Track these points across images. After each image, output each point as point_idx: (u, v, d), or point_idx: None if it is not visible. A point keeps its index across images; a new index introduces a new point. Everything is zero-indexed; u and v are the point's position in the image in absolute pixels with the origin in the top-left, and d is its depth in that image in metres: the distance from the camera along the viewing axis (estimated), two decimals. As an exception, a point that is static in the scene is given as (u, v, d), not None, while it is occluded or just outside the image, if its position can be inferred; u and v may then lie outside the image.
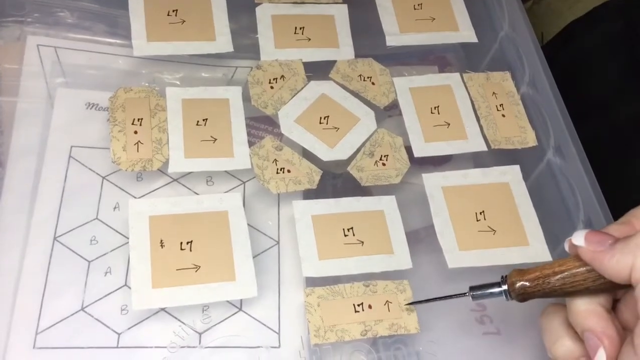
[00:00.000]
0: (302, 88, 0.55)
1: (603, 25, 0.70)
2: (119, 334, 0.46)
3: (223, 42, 0.56)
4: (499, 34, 0.63)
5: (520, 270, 0.40)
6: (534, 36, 0.62)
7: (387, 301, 0.47)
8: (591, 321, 0.36)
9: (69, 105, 0.54)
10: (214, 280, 0.46)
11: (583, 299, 0.37)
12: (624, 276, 0.34)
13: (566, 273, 0.37)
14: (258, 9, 0.58)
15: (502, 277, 0.40)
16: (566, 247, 0.39)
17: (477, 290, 0.42)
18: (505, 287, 0.40)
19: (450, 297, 0.45)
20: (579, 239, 0.37)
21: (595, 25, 0.70)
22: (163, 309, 0.46)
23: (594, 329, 0.36)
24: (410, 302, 0.47)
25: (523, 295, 0.39)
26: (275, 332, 0.47)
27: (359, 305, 0.46)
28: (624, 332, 0.37)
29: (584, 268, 0.37)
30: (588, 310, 0.37)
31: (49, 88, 0.54)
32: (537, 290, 0.38)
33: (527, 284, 0.39)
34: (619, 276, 0.34)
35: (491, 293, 0.41)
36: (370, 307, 0.46)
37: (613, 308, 0.39)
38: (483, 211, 0.52)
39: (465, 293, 0.42)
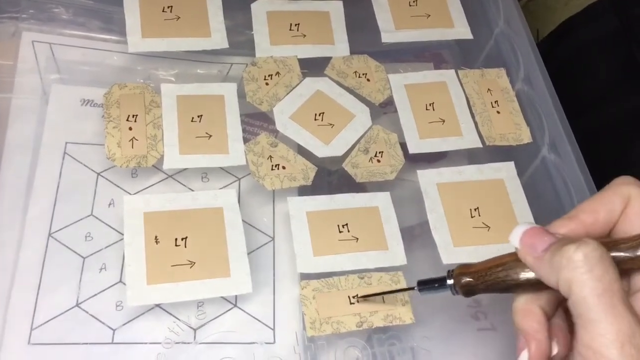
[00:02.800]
0: (297, 84, 0.55)
1: (598, 22, 0.70)
2: (114, 330, 0.46)
3: (218, 38, 0.55)
4: (494, 30, 0.63)
5: (466, 265, 0.38)
6: (529, 33, 0.62)
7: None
8: (525, 322, 0.35)
9: (64, 101, 0.54)
10: (208, 277, 0.46)
11: (524, 296, 0.36)
12: (554, 285, 0.33)
13: (508, 265, 0.36)
14: (253, 6, 0.58)
15: (448, 271, 0.39)
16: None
17: (425, 284, 0.40)
18: (451, 281, 0.39)
19: (399, 291, 0.45)
20: (515, 238, 0.35)
21: (590, 22, 0.70)
22: (158, 305, 0.47)
23: (525, 330, 0.35)
24: (362, 295, 0.46)
25: (467, 289, 0.38)
26: (270, 328, 0.48)
27: (353, 297, 0.46)
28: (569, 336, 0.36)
29: None
30: (525, 310, 0.35)
31: (44, 84, 0.54)
32: (481, 284, 0.37)
33: (471, 278, 0.37)
34: (552, 285, 0.34)
35: (438, 287, 0.40)
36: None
37: None
38: (477, 207, 0.52)
39: (414, 287, 0.41)
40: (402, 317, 0.46)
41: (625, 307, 0.31)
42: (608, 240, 0.34)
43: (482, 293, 0.38)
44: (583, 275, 0.31)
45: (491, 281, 0.37)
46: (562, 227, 0.35)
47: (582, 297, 0.31)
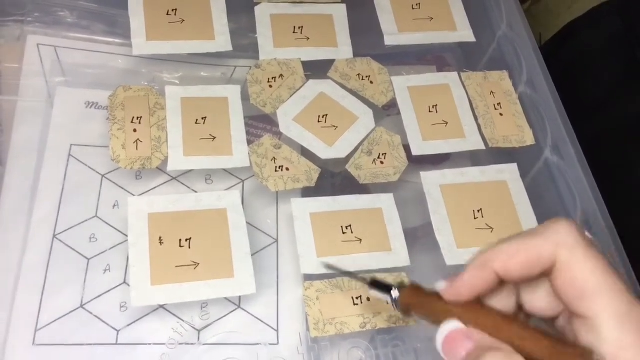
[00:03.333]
0: (300, 87, 0.56)
1: (601, 25, 0.70)
2: (118, 331, 0.46)
3: (222, 41, 0.56)
4: (497, 33, 0.63)
5: (417, 290, 0.37)
6: (532, 36, 0.62)
7: (385, 295, 0.47)
8: None
9: (69, 104, 0.54)
10: (212, 277, 0.46)
11: None
12: None
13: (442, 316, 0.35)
14: (257, 9, 0.59)
15: (397, 286, 0.38)
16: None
17: (375, 285, 0.39)
18: (396, 294, 0.38)
19: (354, 276, 0.42)
20: (438, 343, 0.34)
21: (593, 26, 0.71)
22: (162, 306, 0.47)
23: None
24: (328, 264, 0.45)
25: (406, 313, 0.38)
26: (273, 329, 0.48)
27: (357, 298, 0.47)
28: None
29: None
30: None
31: (49, 87, 0.55)
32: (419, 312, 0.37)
33: (409, 302, 0.37)
34: None
35: (384, 292, 0.38)
36: (368, 299, 0.46)
37: None
38: (481, 209, 0.52)
39: (367, 280, 0.40)
40: (405, 318, 0.46)
41: None
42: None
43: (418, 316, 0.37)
44: None
45: (428, 315, 0.36)
46: (473, 278, 0.34)
47: None
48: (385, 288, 0.38)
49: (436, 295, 0.36)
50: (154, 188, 0.52)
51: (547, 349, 0.32)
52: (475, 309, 0.34)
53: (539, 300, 0.35)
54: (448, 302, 0.35)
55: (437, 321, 0.35)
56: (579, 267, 0.32)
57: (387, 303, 0.38)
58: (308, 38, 0.58)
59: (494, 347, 0.32)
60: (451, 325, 0.34)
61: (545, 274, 0.34)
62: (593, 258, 0.32)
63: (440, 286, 0.35)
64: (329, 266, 0.45)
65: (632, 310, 0.31)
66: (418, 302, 0.37)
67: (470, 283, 0.34)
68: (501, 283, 0.35)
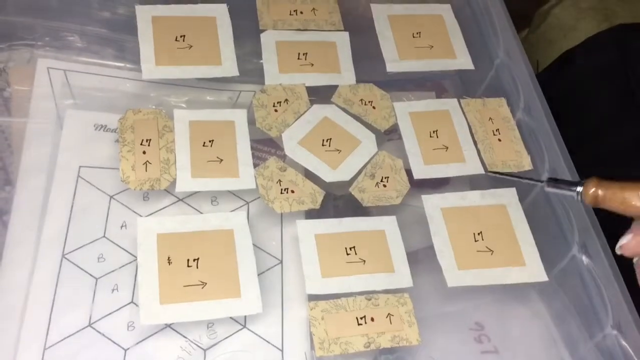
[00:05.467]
0: (305, 111, 0.57)
1: (597, 54, 0.72)
2: (125, 350, 0.46)
3: (229, 66, 0.57)
4: (495, 61, 0.65)
5: (599, 180, 0.41)
6: (529, 64, 0.64)
7: (388, 314, 0.48)
8: None
9: (78, 126, 0.55)
10: (220, 297, 0.47)
11: None
12: None
13: None
14: (263, 36, 0.60)
15: (580, 179, 0.42)
16: None
17: (554, 183, 0.44)
18: (580, 188, 0.42)
19: (526, 179, 0.48)
20: None
21: (589, 55, 0.72)
22: (169, 326, 0.47)
23: None
24: (493, 170, 0.49)
25: (595, 203, 0.41)
26: (278, 349, 0.48)
27: (361, 318, 0.47)
28: None
29: None
30: None
31: (59, 109, 0.56)
32: (610, 201, 0.40)
33: (601, 192, 0.40)
34: None
35: (565, 191, 0.43)
36: (372, 319, 0.47)
37: None
38: (481, 232, 0.53)
39: (543, 181, 0.44)
40: (408, 338, 0.47)
41: None
42: None
43: (611, 210, 0.41)
44: None
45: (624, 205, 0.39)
46: None
47: None
48: (567, 184, 0.43)
49: (622, 184, 0.39)
50: (161, 209, 0.53)
51: None
52: None
53: None
54: None
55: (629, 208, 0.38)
56: None
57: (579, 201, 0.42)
58: (312, 64, 0.60)
59: None
60: None
61: None
62: None
63: None
64: (495, 173, 0.49)
65: None
66: (608, 191, 0.40)
67: None
68: None
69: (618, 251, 0.41)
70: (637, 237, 0.40)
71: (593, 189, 0.41)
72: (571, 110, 0.71)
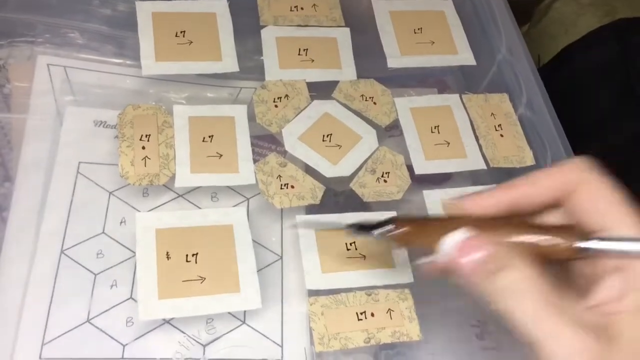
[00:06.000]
0: (305, 107, 0.57)
1: (598, 49, 0.72)
2: (124, 345, 0.46)
3: (229, 62, 0.57)
4: (497, 57, 0.65)
5: (406, 218, 0.39)
6: (531, 59, 0.63)
7: (389, 309, 0.47)
8: None
9: (78, 122, 0.55)
10: (219, 292, 0.46)
11: None
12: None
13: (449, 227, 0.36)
14: (263, 31, 0.60)
15: (388, 218, 0.39)
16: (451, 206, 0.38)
17: (364, 227, 0.40)
18: (383, 229, 0.39)
19: (339, 228, 0.44)
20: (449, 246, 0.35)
21: (590, 49, 0.72)
22: (167, 321, 0.47)
23: None
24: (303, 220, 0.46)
25: (401, 241, 0.39)
26: (278, 344, 0.48)
27: (361, 313, 0.47)
28: None
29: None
30: None
31: (58, 106, 0.56)
32: (416, 240, 0.38)
33: (408, 229, 0.38)
34: None
35: (370, 232, 0.39)
36: (372, 315, 0.47)
37: None
38: (483, 227, 0.53)
39: (348, 225, 0.41)
40: (409, 333, 0.47)
41: (567, 321, 0.31)
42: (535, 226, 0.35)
43: (414, 247, 0.39)
44: (510, 304, 0.32)
45: (428, 241, 0.37)
46: (498, 196, 0.36)
47: (516, 326, 0.31)
48: (372, 227, 0.39)
49: (429, 219, 0.38)
50: (161, 205, 0.53)
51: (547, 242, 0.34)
52: (478, 220, 0.36)
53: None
54: (461, 209, 0.36)
55: (435, 243, 0.36)
56: (600, 185, 0.34)
57: (380, 238, 0.39)
58: (313, 60, 0.60)
59: (510, 254, 0.33)
60: (464, 234, 0.35)
61: (562, 201, 0.35)
62: (607, 179, 0.35)
63: (462, 198, 0.37)
64: (307, 223, 0.46)
65: None
66: (414, 227, 0.38)
67: (490, 199, 0.36)
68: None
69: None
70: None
71: (400, 230, 0.38)
72: (571, 105, 0.71)
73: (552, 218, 0.36)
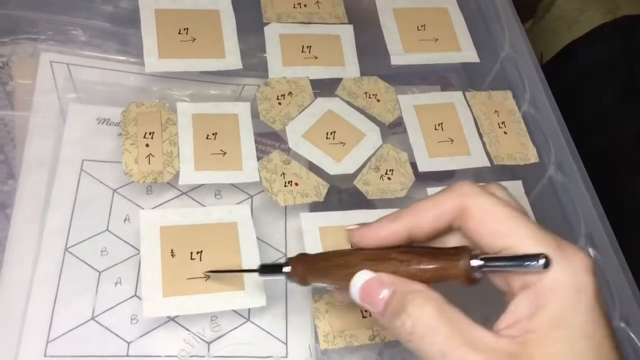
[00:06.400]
0: (309, 104, 0.57)
1: (601, 45, 0.72)
2: (128, 343, 0.46)
3: (233, 59, 0.57)
4: (500, 54, 0.65)
5: (305, 255, 0.40)
6: (534, 56, 0.63)
7: (395, 307, 0.47)
8: None
9: (81, 120, 0.55)
10: (223, 290, 0.46)
11: None
12: None
13: (349, 263, 0.37)
14: (267, 29, 0.60)
15: (288, 259, 0.40)
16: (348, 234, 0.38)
17: (266, 269, 0.42)
18: (288, 269, 0.40)
19: (242, 271, 0.46)
20: (355, 292, 0.36)
21: (593, 46, 0.72)
22: (172, 319, 0.47)
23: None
24: (210, 270, 0.46)
25: (302, 280, 0.39)
26: (282, 342, 0.48)
27: (366, 311, 0.47)
28: None
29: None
30: None
31: (61, 103, 0.55)
32: (314, 275, 0.39)
33: (302, 272, 0.39)
34: None
35: (277, 273, 0.41)
36: None
37: None
38: (487, 224, 0.53)
39: (257, 270, 0.42)
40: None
41: (477, 352, 0.31)
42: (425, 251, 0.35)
43: (316, 283, 0.39)
44: (419, 344, 0.32)
45: (327, 275, 0.38)
46: (384, 229, 0.36)
47: None
48: (277, 268, 0.40)
49: (324, 256, 0.38)
50: (165, 202, 0.52)
51: (433, 266, 0.35)
52: (368, 254, 0.37)
53: None
54: (353, 245, 0.37)
55: (334, 283, 0.38)
56: (486, 206, 0.34)
57: (291, 282, 0.40)
58: (316, 57, 0.59)
59: (411, 291, 0.33)
60: (364, 276, 0.35)
61: (451, 228, 0.36)
62: (493, 198, 0.35)
63: (350, 227, 0.37)
64: (212, 272, 0.46)
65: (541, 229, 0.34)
66: (311, 267, 0.39)
67: (377, 231, 0.36)
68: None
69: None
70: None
71: (297, 270, 0.39)
72: (574, 102, 0.71)
73: (454, 241, 0.37)
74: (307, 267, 0.39)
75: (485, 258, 0.34)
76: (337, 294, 0.40)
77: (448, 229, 0.36)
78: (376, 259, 0.36)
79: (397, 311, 0.33)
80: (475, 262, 0.34)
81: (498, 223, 0.34)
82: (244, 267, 0.48)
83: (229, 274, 0.46)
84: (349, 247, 0.50)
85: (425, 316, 0.32)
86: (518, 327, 0.32)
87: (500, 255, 0.33)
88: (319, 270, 0.39)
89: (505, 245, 0.33)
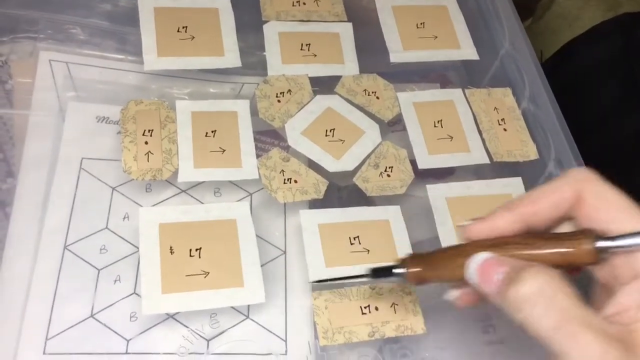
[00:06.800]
0: (308, 102, 0.57)
1: (601, 43, 0.71)
2: (128, 340, 0.46)
3: (232, 57, 0.57)
4: (500, 51, 0.65)
5: (419, 254, 0.40)
6: (534, 54, 0.63)
7: (393, 303, 0.47)
8: None
9: (80, 118, 0.55)
10: (222, 286, 0.46)
11: None
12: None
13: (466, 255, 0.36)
14: (266, 27, 0.60)
15: (401, 259, 0.40)
16: (461, 232, 0.38)
17: (378, 272, 0.41)
18: (403, 270, 0.39)
19: (354, 277, 0.44)
20: (472, 271, 0.35)
21: (593, 44, 0.72)
22: (171, 316, 0.47)
23: None
24: (317, 280, 0.46)
25: (418, 279, 0.39)
26: (282, 339, 0.48)
27: (365, 307, 0.47)
28: None
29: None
30: None
31: (60, 102, 0.55)
32: (432, 274, 0.39)
33: (420, 268, 0.39)
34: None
35: (390, 274, 0.40)
36: (377, 309, 0.47)
37: None
38: (487, 221, 0.53)
39: (369, 274, 0.42)
40: (413, 327, 0.47)
41: (590, 330, 0.30)
42: (550, 236, 0.35)
43: (433, 282, 0.39)
44: (534, 312, 0.31)
45: (446, 267, 0.38)
46: (500, 219, 0.36)
47: (540, 335, 0.31)
48: (390, 269, 0.40)
49: (439, 250, 0.38)
50: (164, 200, 0.52)
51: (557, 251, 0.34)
52: (486, 242, 0.36)
53: None
54: (469, 238, 0.37)
55: (452, 276, 0.37)
56: (602, 193, 0.34)
57: (405, 283, 0.40)
58: (315, 55, 0.59)
59: (527, 265, 0.33)
60: (482, 256, 0.35)
61: (567, 216, 0.36)
62: (608, 185, 0.35)
63: (463, 224, 0.37)
64: (320, 281, 0.46)
65: None
66: (428, 263, 0.39)
67: (494, 223, 0.36)
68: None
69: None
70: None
71: (412, 269, 0.39)
72: (575, 99, 0.71)
73: (566, 229, 0.36)
74: (423, 264, 0.39)
75: (613, 237, 0.33)
76: (457, 297, 0.39)
77: (564, 218, 0.36)
78: (495, 245, 0.36)
79: (513, 279, 0.32)
80: (603, 243, 0.33)
81: (615, 210, 0.34)
82: (244, 265, 0.47)
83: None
84: (353, 245, 0.50)
85: (542, 284, 0.32)
86: (627, 315, 0.32)
87: (631, 232, 0.33)
88: (436, 263, 0.38)
89: (620, 231, 0.33)
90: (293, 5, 0.62)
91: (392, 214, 0.52)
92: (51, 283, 0.47)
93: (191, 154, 0.51)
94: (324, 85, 0.59)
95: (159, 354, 0.46)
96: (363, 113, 0.57)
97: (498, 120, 0.60)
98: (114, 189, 0.52)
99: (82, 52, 0.59)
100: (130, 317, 0.47)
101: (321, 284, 0.47)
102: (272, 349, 0.47)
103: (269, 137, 0.58)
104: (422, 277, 0.39)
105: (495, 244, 0.36)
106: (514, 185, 0.56)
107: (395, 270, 0.40)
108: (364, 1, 0.65)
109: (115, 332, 0.46)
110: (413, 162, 0.56)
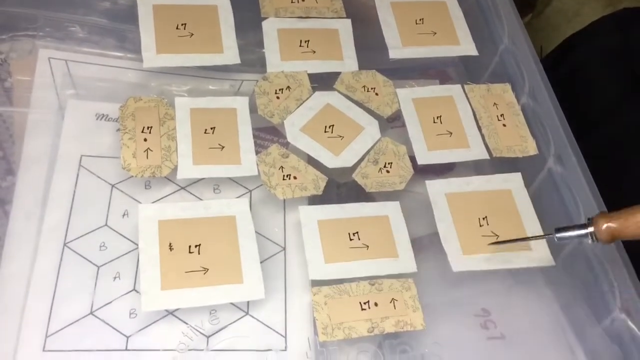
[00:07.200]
0: (307, 98, 0.57)
1: (601, 39, 0.71)
2: (127, 337, 0.46)
3: (231, 54, 0.57)
4: (499, 47, 0.65)
5: (606, 214, 0.41)
6: (533, 49, 0.63)
7: (392, 299, 0.47)
8: None
9: (79, 116, 0.55)
10: (222, 283, 0.46)
11: None
12: None
13: None
14: (265, 23, 0.60)
15: (587, 219, 0.42)
16: None
17: (563, 231, 0.43)
18: (591, 229, 0.41)
19: (535, 237, 0.47)
20: None
21: (593, 39, 0.72)
22: (171, 313, 0.47)
23: None
24: (493, 242, 0.49)
25: (612, 236, 0.40)
26: (281, 335, 0.48)
27: (365, 303, 0.47)
28: None
29: None
30: None
31: (60, 99, 0.56)
32: (627, 228, 0.40)
33: (614, 225, 0.40)
34: None
35: (577, 235, 0.42)
36: (376, 304, 0.47)
37: None
38: (486, 217, 0.53)
39: (551, 234, 0.43)
40: (413, 323, 0.47)
41: None
42: None
43: (623, 239, 0.41)
44: None
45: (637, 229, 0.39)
46: None
47: None
48: (575, 228, 0.43)
49: (628, 210, 0.40)
50: (163, 197, 0.52)
51: None
52: None
53: None
54: None
55: None
56: None
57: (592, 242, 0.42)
58: (314, 51, 0.59)
59: None
60: None
61: None
62: None
63: None
64: (495, 243, 0.48)
65: None
66: (621, 219, 0.40)
67: None
68: None
69: None
70: None
71: (605, 225, 0.41)
72: (575, 95, 0.71)
73: None
74: (615, 221, 0.40)
75: None
76: None
77: None
78: None
79: None
80: None
81: None
82: (244, 262, 0.48)
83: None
84: (352, 241, 0.50)
85: None
86: None
87: None
88: (626, 220, 0.40)
89: None
90: (292, 2, 0.62)
91: (392, 209, 0.52)
92: (51, 280, 0.47)
93: (190, 151, 0.52)
94: (323, 81, 0.59)
95: (158, 350, 0.46)
96: (362, 109, 0.57)
97: (497, 116, 0.59)
98: (113, 186, 0.52)
99: (81, 49, 0.59)
100: (130, 314, 0.47)
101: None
102: (271, 345, 0.47)
103: (268, 133, 0.58)
104: (614, 234, 0.40)
105: None
106: (513, 180, 0.56)
107: (585, 231, 0.42)
108: (363, -3, 0.66)
109: (115, 329, 0.46)
110: (412, 158, 0.56)
